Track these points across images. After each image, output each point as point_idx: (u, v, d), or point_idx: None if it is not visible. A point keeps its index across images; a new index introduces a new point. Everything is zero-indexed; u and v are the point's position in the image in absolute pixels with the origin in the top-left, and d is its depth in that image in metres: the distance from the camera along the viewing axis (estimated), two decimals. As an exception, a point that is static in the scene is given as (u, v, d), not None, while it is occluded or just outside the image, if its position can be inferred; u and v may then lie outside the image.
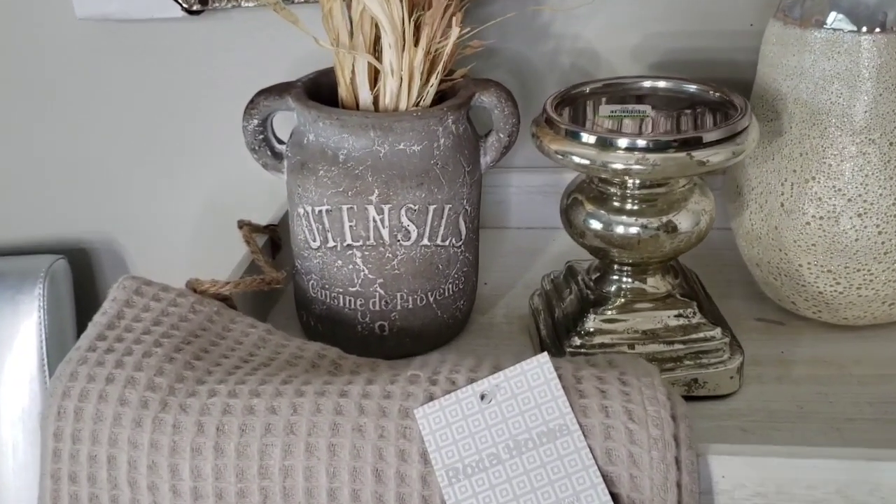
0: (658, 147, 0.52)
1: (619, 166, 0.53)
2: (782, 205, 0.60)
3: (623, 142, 0.53)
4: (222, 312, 0.56)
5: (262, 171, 0.64)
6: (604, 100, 0.60)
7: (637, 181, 0.55)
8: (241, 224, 0.69)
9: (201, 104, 0.84)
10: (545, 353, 0.45)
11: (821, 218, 0.59)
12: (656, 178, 0.54)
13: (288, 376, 0.49)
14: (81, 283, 0.91)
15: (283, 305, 0.71)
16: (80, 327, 0.74)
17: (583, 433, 0.44)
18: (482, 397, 0.45)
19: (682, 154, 0.52)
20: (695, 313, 0.58)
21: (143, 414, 0.47)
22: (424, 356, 0.52)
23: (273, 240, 0.72)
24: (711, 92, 0.59)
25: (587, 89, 0.61)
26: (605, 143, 0.53)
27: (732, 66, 0.77)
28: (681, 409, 0.45)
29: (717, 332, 0.58)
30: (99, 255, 0.93)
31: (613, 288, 0.60)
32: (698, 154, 0.52)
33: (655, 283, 0.59)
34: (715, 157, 0.53)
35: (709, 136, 0.53)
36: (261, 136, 0.62)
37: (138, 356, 0.49)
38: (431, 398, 0.46)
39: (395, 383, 0.47)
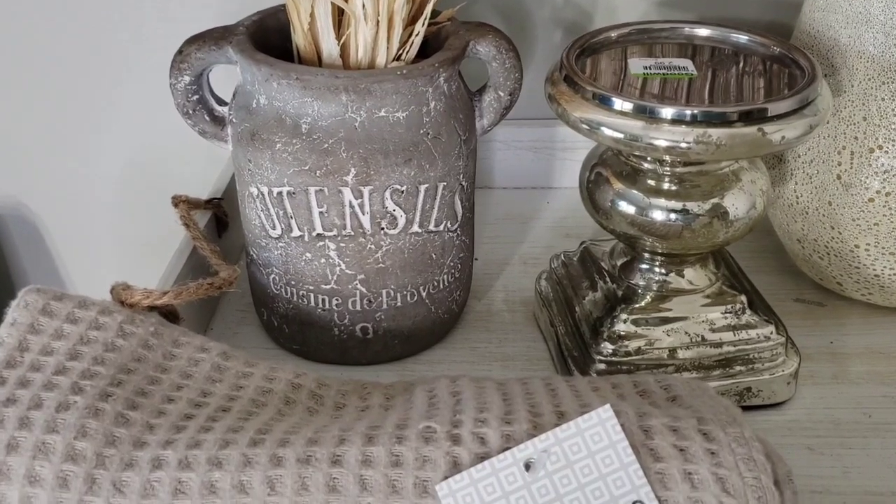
0: (719, 120, 0.40)
1: (666, 143, 0.40)
2: (839, 177, 0.49)
3: (669, 112, 0.40)
4: (161, 332, 0.42)
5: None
6: (634, 52, 0.47)
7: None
8: (177, 200, 0.54)
9: (127, 47, 0.68)
10: (608, 407, 0.33)
11: (887, 194, 0.47)
12: (720, 158, 0.42)
13: (258, 431, 0.36)
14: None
15: (237, 296, 0.57)
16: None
17: (663, 512, 0.32)
18: (527, 467, 0.33)
19: (752, 129, 0.40)
20: (744, 309, 0.47)
21: (61, 497, 0.34)
22: (427, 381, 0.40)
23: (218, 216, 0.58)
24: (769, 45, 0.46)
25: (613, 35, 0.47)
26: (646, 113, 0.41)
27: (762, 5, 0.64)
28: (783, 471, 0.33)
29: (771, 330, 0.47)
30: (6, 225, 0.77)
31: (644, 280, 0.48)
32: (771, 129, 0.40)
33: (695, 275, 0.47)
34: (790, 131, 0.40)
35: (779, 107, 0.40)
36: (195, 97, 0.48)
37: (50, 410, 0.36)
38: (456, 465, 0.34)
39: (403, 442, 0.34)
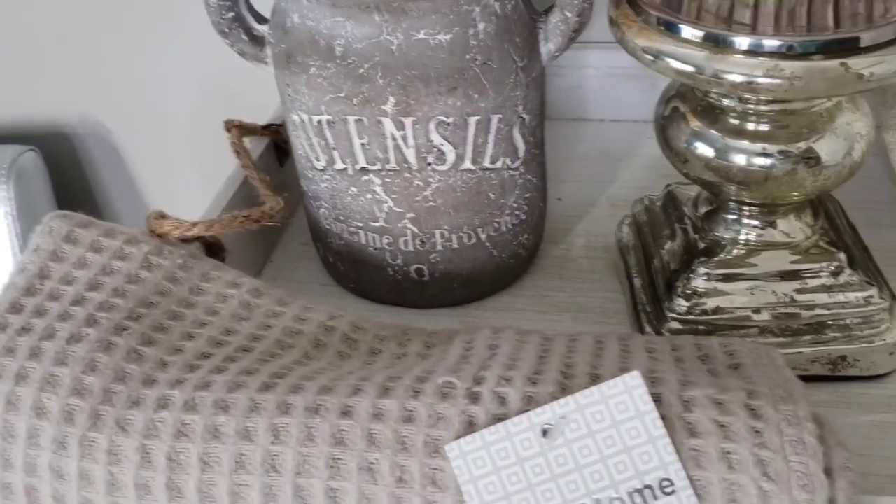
0: (798, 51, 0.37)
1: (737, 78, 0.38)
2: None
3: (743, 41, 0.38)
4: (190, 265, 0.43)
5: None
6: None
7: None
8: (230, 125, 0.55)
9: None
10: (636, 373, 0.32)
11: None
12: (797, 96, 0.39)
13: (273, 375, 0.37)
14: (63, 179, 0.79)
15: (298, 229, 0.58)
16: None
17: (694, 492, 0.31)
18: (544, 433, 0.33)
19: (833, 63, 0.37)
20: (843, 268, 0.44)
21: (66, 431, 0.36)
22: (470, 331, 0.39)
23: (278, 144, 0.59)
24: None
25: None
26: (716, 42, 0.38)
27: None
28: (839, 458, 0.32)
29: (874, 293, 0.44)
30: (84, 144, 0.80)
31: (730, 231, 0.46)
32: (856, 63, 0.37)
33: (788, 227, 0.45)
34: (882, 67, 0.37)
35: (872, 37, 0.37)
36: (230, 15, 0.48)
37: (62, 341, 0.37)
38: (471, 425, 0.33)
39: (419, 397, 0.35)
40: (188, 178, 0.80)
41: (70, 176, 0.82)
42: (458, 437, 0.33)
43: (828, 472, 0.31)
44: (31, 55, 0.76)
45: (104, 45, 0.75)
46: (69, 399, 0.36)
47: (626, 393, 0.32)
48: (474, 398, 0.34)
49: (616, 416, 0.32)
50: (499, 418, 0.33)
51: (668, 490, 0.31)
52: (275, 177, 0.52)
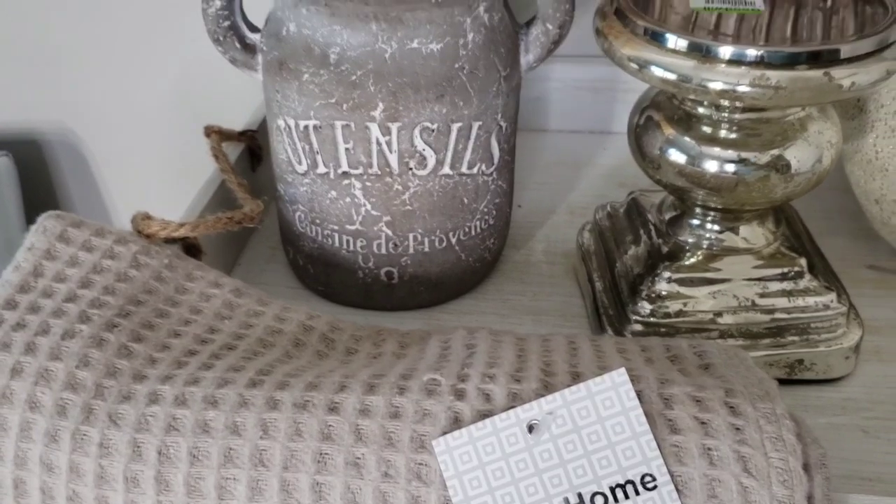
0: (782, 61, 0.37)
1: (721, 86, 0.38)
2: (925, 128, 0.45)
3: (727, 51, 0.38)
4: (175, 265, 0.42)
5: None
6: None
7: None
8: (209, 131, 0.55)
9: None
10: (623, 371, 0.32)
11: (979, 148, 0.44)
12: (780, 105, 0.40)
13: (259, 371, 0.36)
14: (33, 184, 0.77)
15: (267, 232, 0.57)
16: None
17: (675, 488, 0.31)
18: (530, 429, 0.32)
19: (817, 73, 0.37)
20: (803, 273, 0.44)
21: (58, 425, 0.34)
22: (444, 332, 0.39)
23: (252, 150, 0.58)
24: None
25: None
26: (701, 52, 0.38)
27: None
28: (815, 454, 0.32)
29: (832, 298, 0.44)
30: (53, 150, 0.78)
31: (694, 236, 0.46)
32: (840, 73, 0.37)
33: (751, 233, 0.45)
34: (861, 77, 0.38)
35: (851, 49, 0.38)
36: (226, 24, 0.47)
37: (56, 337, 0.37)
38: (457, 421, 0.33)
39: (405, 393, 0.34)
40: (155, 185, 0.78)
41: (39, 181, 0.79)
42: (445, 432, 0.33)
43: (806, 468, 0.31)
44: (3, 62, 0.74)
45: (77, 52, 0.73)
46: (63, 393, 0.35)
47: (613, 389, 0.32)
48: (459, 395, 0.34)
49: (602, 413, 0.32)
50: (484, 414, 0.33)
51: (649, 485, 0.31)
52: (248, 181, 0.51)
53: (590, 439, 0.32)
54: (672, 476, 0.31)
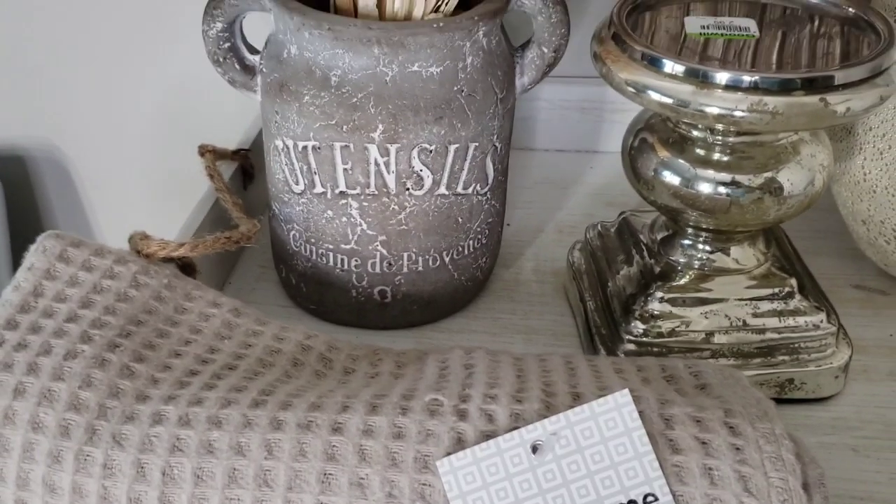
0: (778, 87, 0.38)
1: (719, 111, 0.38)
2: (911, 151, 0.46)
3: (724, 77, 0.38)
4: (174, 284, 0.42)
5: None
6: (696, 8, 0.45)
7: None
8: (203, 150, 0.55)
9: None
10: (626, 391, 0.32)
11: (963, 172, 0.45)
12: (777, 129, 0.40)
13: (261, 392, 0.36)
14: (16, 200, 0.76)
15: (258, 251, 0.57)
16: (16, 256, 0.60)
17: (677, 507, 0.31)
18: (534, 449, 0.32)
19: (813, 99, 0.38)
20: (793, 293, 0.45)
21: (62, 445, 0.34)
22: (441, 351, 0.39)
23: (245, 168, 0.58)
24: (844, 7, 0.44)
25: (673, -12, 0.45)
26: (698, 77, 0.39)
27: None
28: (814, 474, 0.32)
29: (822, 318, 0.45)
30: (38, 168, 0.78)
31: (685, 257, 0.46)
32: (836, 99, 0.38)
33: (742, 254, 0.46)
34: (856, 102, 0.38)
35: (845, 75, 0.38)
36: (226, 45, 0.47)
37: (58, 357, 0.36)
38: (460, 441, 0.33)
39: (408, 414, 0.34)
40: (141, 204, 0.78)
41: (24, 199, 0.79)
42: (448, 453, 0.33)
43: (805, 487, 0.32)
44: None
45: (64, 68, 0.73)
46: (66, 413, 0.35)
47: (616, 410, 0.32)
48: (462, 415, 0.34)
49: (605, 433, 0.32)
50: (487, 435, 0.33)
51: (652, 504, 0.31)
52: (240, 200, 0.51)
53: (593, 460, 0.32)
54: (674, 496, 0.31)
